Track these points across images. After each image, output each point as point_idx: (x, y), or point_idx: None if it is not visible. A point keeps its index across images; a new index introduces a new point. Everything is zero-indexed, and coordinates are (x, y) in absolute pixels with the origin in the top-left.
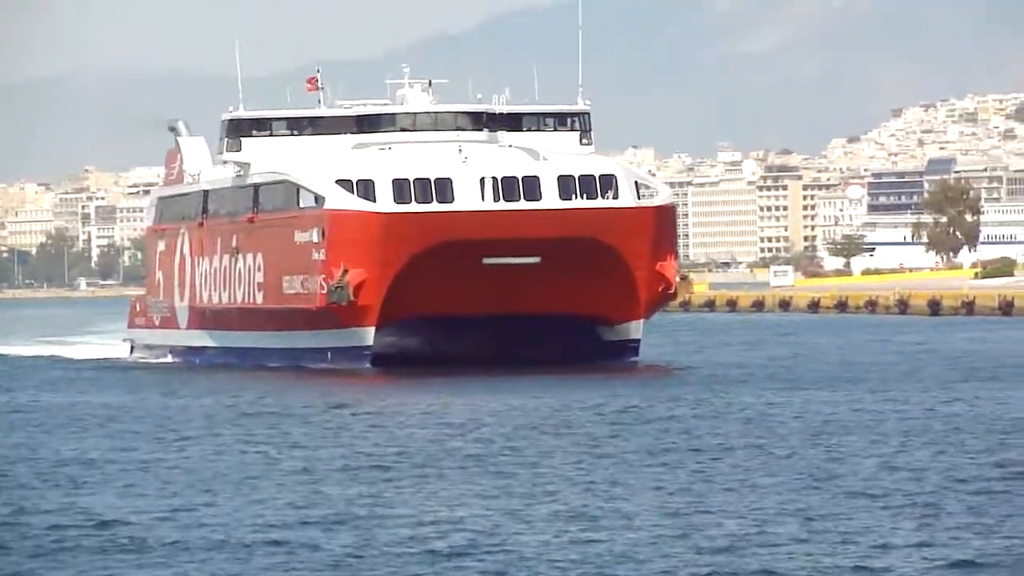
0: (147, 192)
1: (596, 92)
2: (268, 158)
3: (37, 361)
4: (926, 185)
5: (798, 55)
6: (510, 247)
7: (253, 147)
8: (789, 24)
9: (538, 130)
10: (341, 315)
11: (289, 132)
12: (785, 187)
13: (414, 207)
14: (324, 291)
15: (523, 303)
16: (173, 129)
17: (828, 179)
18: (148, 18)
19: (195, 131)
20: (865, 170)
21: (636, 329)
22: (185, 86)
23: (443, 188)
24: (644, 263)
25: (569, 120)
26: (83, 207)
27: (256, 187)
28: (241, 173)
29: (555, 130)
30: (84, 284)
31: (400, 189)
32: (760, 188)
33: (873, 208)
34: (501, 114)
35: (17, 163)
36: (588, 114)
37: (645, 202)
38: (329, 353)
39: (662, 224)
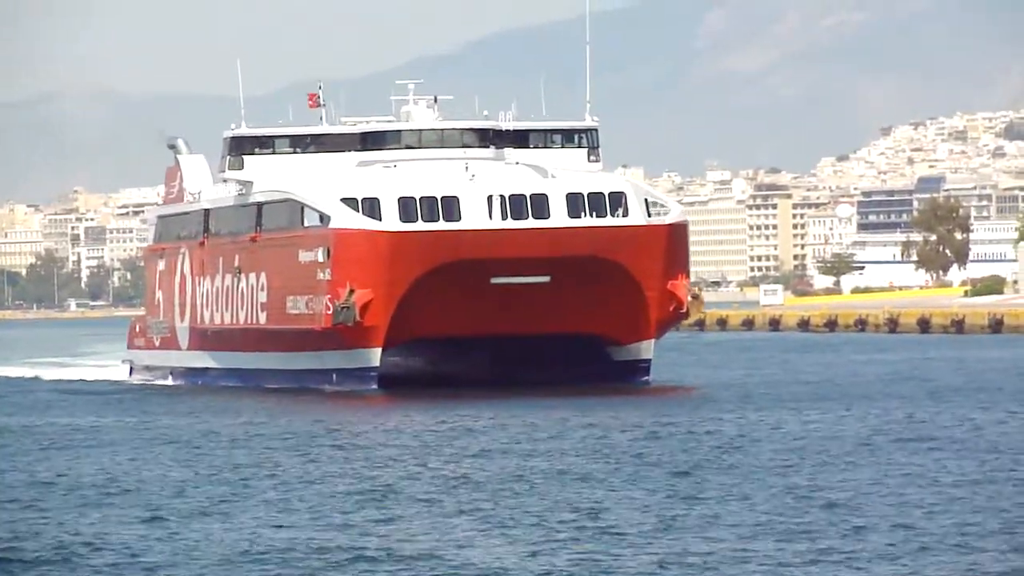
0: (137, 213)
1: (570, 114)
2: (271, 176)
3: (36, 384)
4: (915, 203)
5: (787, 74)
6: (519, 266)
7: (255, 165)
8: (778, 43)
9: (545, 147)
10: (347, 336)
11: (292, 150)
12: (775, 206)
13: (421, 226)
14: (330, 311)
15: (532, 323)
16: (173, 147)
17: (818, 197)
18: (139, 39)
19: (194, 150)
20: (854, 188)
21: (647, 349)
22: (178, 106)
23: (450, 206)
24: (655, 282)
25: (577, 137)
26: (72, 228)
27: (259, 206)
28: (243, 191)
29: (562, 147)
30: (74, 305)
31: (406, 207)
32: (750, 207)
33: (863, 226)
34: (508, 131)
35: (6, 184)
36: (596, 130)
37: (656, 220)
38: (334, 375)
39: (674, 242)
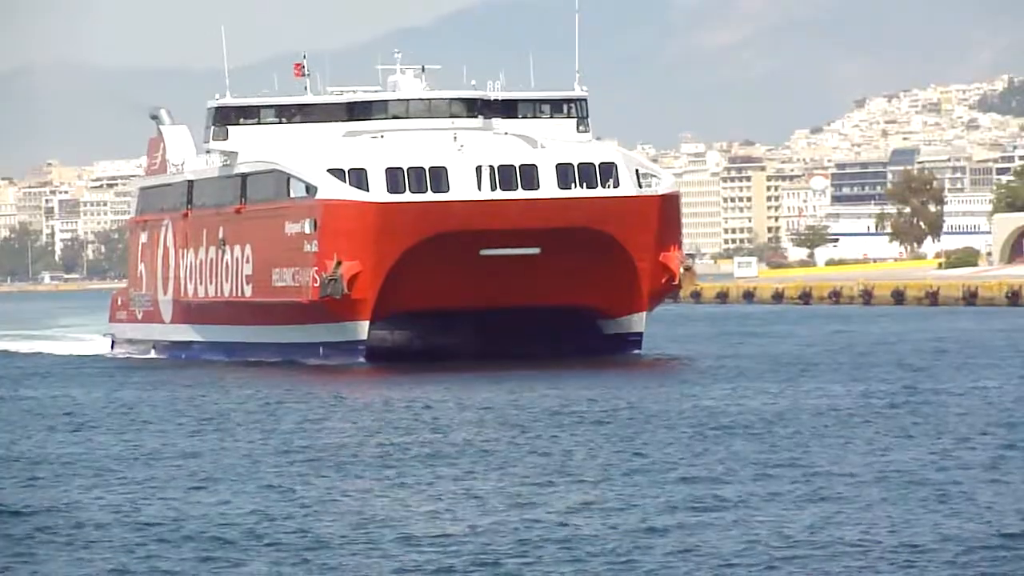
0: (111, 186)
1: (558, 84)
2: (256, 147)
3: (14, 358)
4: (889, 176)
5: (761, 47)
6: (509, 238)
7: (240, 135)
8: (752, 17)
9: (534, 117)
10: (334, 309)
11: (278, 120)
12: (749, 178)
13: (409, 196)
14: (317, 284)
15: (522, 295)
16: (155, 118)
17: (792, 170)
18: (111, 12)
19: (177, 121)
20: (828, 161)
21: (639, 322)
22: (152, 79)
23: (438, 177)
24: (647, 254)
25: (566, 107)
26: (47, 201)
27: (244, 177)
28: (228, 162)
29: (551, 117)
30: (48, 278)
31: (394, 178)
32: (724, 179)
33: (837, 199)
34: (496, 100)
35: None
36: (585, 100)
37: (648, 191)
38: (321, 348)
39: (666, 213)
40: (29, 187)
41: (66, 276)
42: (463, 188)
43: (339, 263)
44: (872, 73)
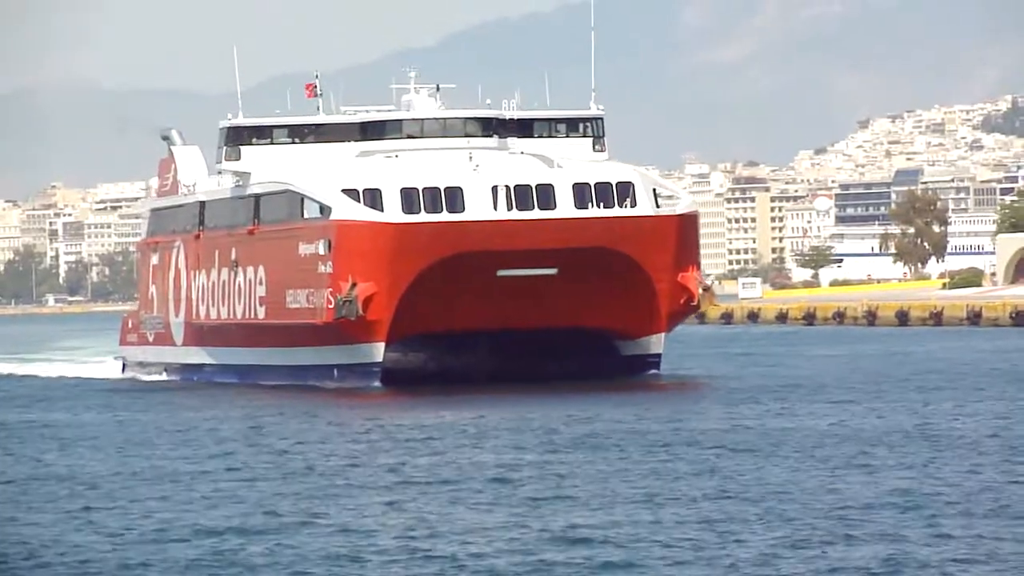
0: (115, 208)
1: (570, 102)
2: (269, 167)
3: (26, 381)
4: (893, 196)
5: (764, 67)
6: (526, 258)
7: (253, 156)
8: (755, 37)
9: (549, 136)
10: (349, 330)
11: (290, 140)
12: (753, 199)
13: (424, 217)
14: (331, 305)
15: (539, 317)
16: (167, 138)
17: (795, 191)
18: (114, 35)
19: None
20: (832, 181)
21: (657, 343)
22: (156, 100)
23: (453, 197)
24: (665, 274)
25: (581, 126)
26: (50, 223)
27: (257, 197)
28: (240, 183)
29: (567, 136)
30: (52, 300)
31: (409, 198)
32: (728, 200)
33: (841, 219)
34: (511, 120)
35: None
36: (601, 119)
37: (666, 210)
38: (336, 370)
39: (684, 233)
40: (33, 209)
41: (70, 298)
42: (479, 208)
43: (354, 284)
44: (876, 93)
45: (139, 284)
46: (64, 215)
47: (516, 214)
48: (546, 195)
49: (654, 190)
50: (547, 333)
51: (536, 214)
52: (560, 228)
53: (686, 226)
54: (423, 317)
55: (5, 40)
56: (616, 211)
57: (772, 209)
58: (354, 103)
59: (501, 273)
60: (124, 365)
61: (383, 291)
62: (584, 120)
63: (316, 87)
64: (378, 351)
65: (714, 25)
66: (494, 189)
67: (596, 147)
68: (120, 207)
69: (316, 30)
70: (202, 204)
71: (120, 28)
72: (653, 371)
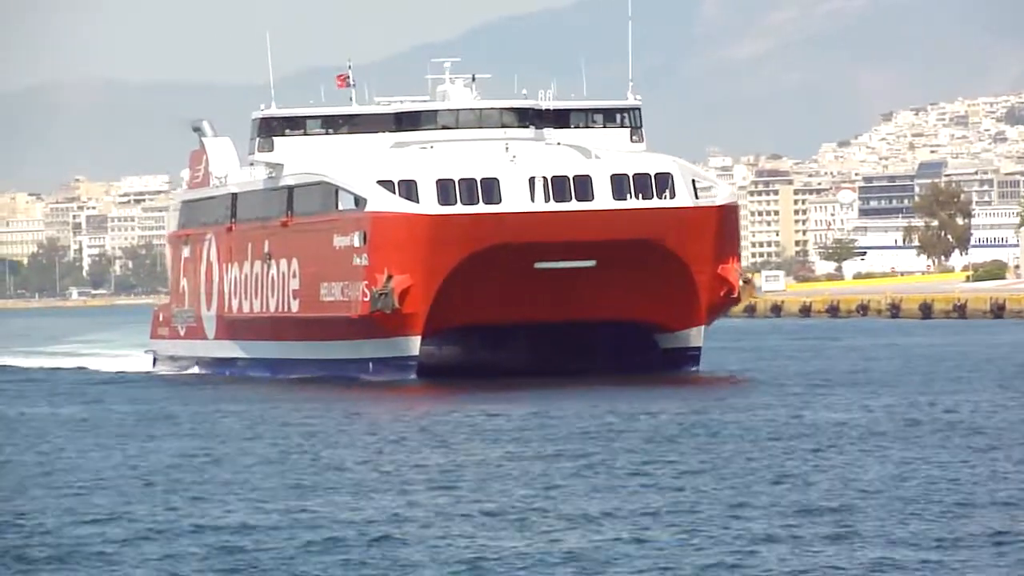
0: (138, 201)
1: (595, 95)
2: (302, 158)
3: (59, 375)
4: (917, 189)
5: (786, 61)
6: (564, 251)
7: (286, 147)
8: (777, 31)
9: (586, 127)
10: (385, 324)
11: (324, 131)
12: (776, 192)
13: (460, 208)
14: (367, 298)
15: (576, 309)
16: (198, 130)
17: (819, 183)
18: (133, 29)
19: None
20: (856, 174)
21: (697, 336)
22: (178, 93)
23: (490, 189)
24: (705, 266)
25: (619, 116)
26: (74, 216)
27: (290, 189)
28: (273, 175)
29: (604, 127)
30: (76, 294)
31: (445, 190)
32: (751, 193)
33: (864, 212)
34: (548, 110)
35: (8, 173)
36: (639, 109)
37: (706, 201)
38: (371, 364)
39: (724, 225)
40: (56, 203)
41: (94, 292)
42: (516, 200)
43: (390, 277)
44: (899, 86)
45: (171, 277)
46: (88, 208)
47: (553, 206)
48: (584, 186)
49: (693, 181)
50: (585, 326)
51: (574, 206)
52: (599, 220)
53: (726, 217)
54: (459, 310)
55: (28, 37)
56: (655, 202)
57: (795, 202)
58: (385, 95)
59: (539, 266)
60: (155, 359)
61: (419, 284)
62: (621, 110)
63: (349, 78)
64: (414, 344)
65: (734, 21)
66: (531, 180)
67: (633, 137)
68: (144, 200)
69: (332, 26)
70: (234, 196)
71: (143, 22)
72: (693, 366)
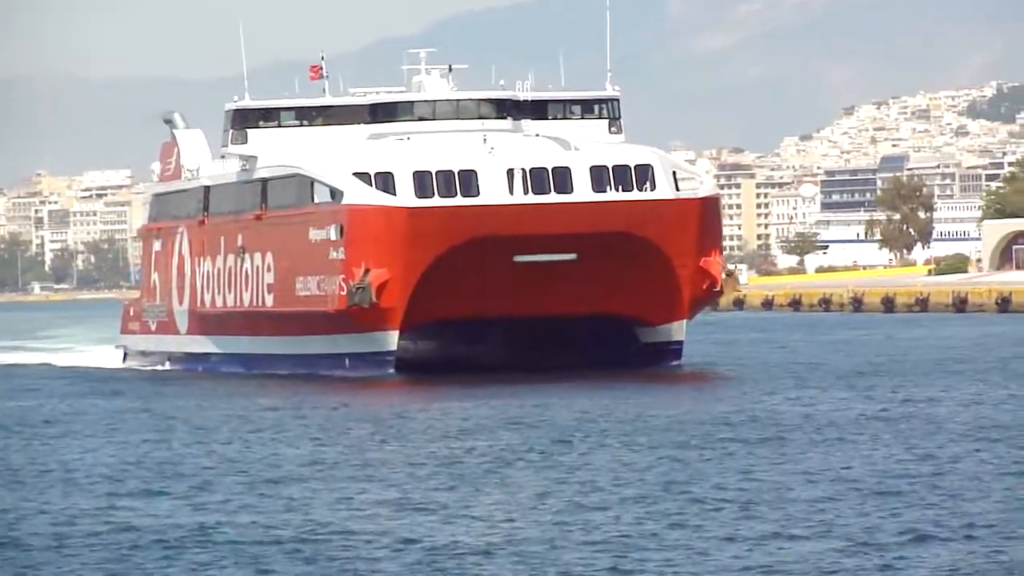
0: (100, 196)
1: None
2: (276, 150)
3: (30, 370)
4: (879, 183)
5: (750, 55)
6: (544, 243)
7: (259, 139)
8: (740, 25)
9: (564, 118)
10: (362, 318)
11: (298, 122)
12: (738, 185)
13: (438, 201)
14: (344, 292)
15: (556, 303)
16: (169, 122)
17: (781, 177)
18: (101, 24)
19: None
20: (818, 168)
21: (679, 330)
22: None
23: (468, 181)
24: (687, 259)
25: (597, 107)
26: (36, 211)
27: (264, 181)
28: (247, 167)
29: (582, 118)
30: (38, 288)
31: (422, 182)
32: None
33: (826, 206)
34: (526, 101)
35: None
36: (617, 100)
37: (687, 193)
38: (347, 359)
39: (706, 217)
40: (18, 197)
41: (56, 286)
42: (494, 192)
43: (367, 271)
44: (861, 80)
45: (142, 271)
46: (49, 203)
47: (533, 198)
48: (563, 178)
49: (674, 173)
50: (565, 320)
51: (553, 198)
52: (579, 212)
53: (708, 210)
54: (438, 304)
55: None
56: (636, 194)
57: (757, 196)
58: (360, 85)
59: (518, 259)
60: (125, 354)
61: (397, 277)
62: (599, 101)
63: (322, 69)
64: (392, 339)
65: (699, 14)
66: (510, 172)
67: (612, 129)
68: (105, 195)
69: (297, 20)
70: (207, 189)
71: (106, 18)
72: (675, 360)
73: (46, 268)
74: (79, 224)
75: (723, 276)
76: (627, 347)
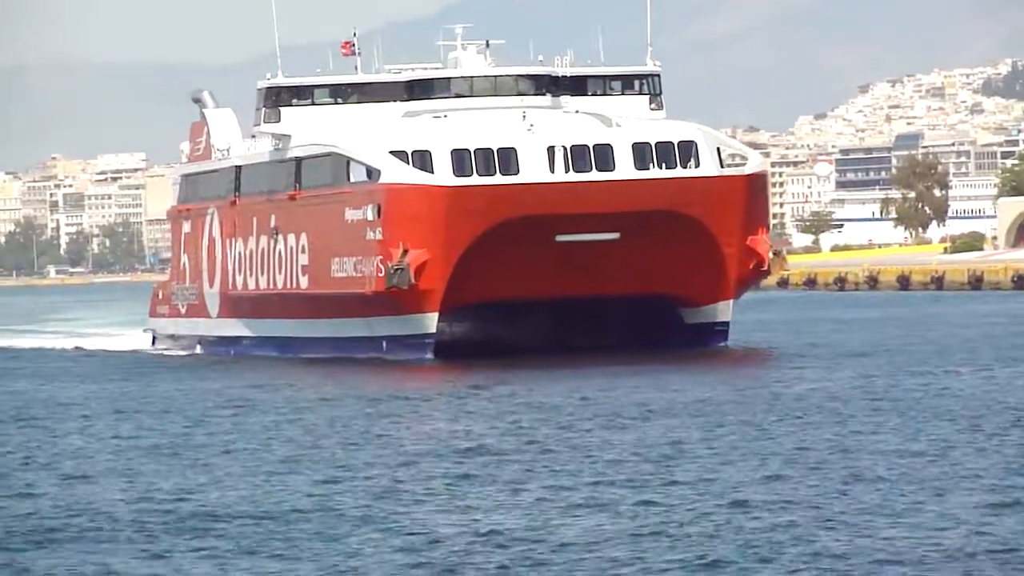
0: (115, 179)
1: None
2: (310, 129)
3: (66, 355)
4: (894, 161)
5: (764, 35)
6: (586, 223)
7: (293, 117)
8: (753, 5)
9: (604, 94)
10: (401, 300)
11: (332, 100)
12: None
13: (477, 180)
14: (382, 274)
15: (600, 284)
16: (198, 100)
17: (796, 156)
18: (114, 9)
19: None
20: (833, 146)
21: (725, 311)
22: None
23: (507, 159)
24: (733, 238)
25: (637, 83)
26: (51, 195)
27: (298, 160)
28: (280, 146)
29: (622, 94)
30: (53, 272)
31: (460, 160)
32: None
33: (841, 184)
34: (565, 77)
35: None
36: (659, 76)
37: (734, 170)
38: (385, 343)
39: (753, 195)
40: (34, 181)
41: (71, 270)
42: (534, 170)
43: (406, 251)
44: (875, 59)
45: (171, 253)
46: (64, 186)
47: (574, 176)
48: (604, 156)
49: (718, 149)
50: (608, 301)
51: (595, 176)
52: (622, 190)
53: (755, 187)
54: (478, 285)
55: (6, 16)
56: (679, 172)
57: (772, 175)
58: (397, 62)
59: (560, 238)
60: (154, 338)
61: (436, 258)
62: (640, 77)
63: (354, 45)
64: (431, 322)
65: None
66: (550, 150)
67: (652, 105)
68: (120, 178)
69: (293, 10)
70: (238, 169)
71: (118, 3)
72: (722, 341)
73: (61, 251)
74: (94, 207)
75: (770, 255)
76: (672, 328)
